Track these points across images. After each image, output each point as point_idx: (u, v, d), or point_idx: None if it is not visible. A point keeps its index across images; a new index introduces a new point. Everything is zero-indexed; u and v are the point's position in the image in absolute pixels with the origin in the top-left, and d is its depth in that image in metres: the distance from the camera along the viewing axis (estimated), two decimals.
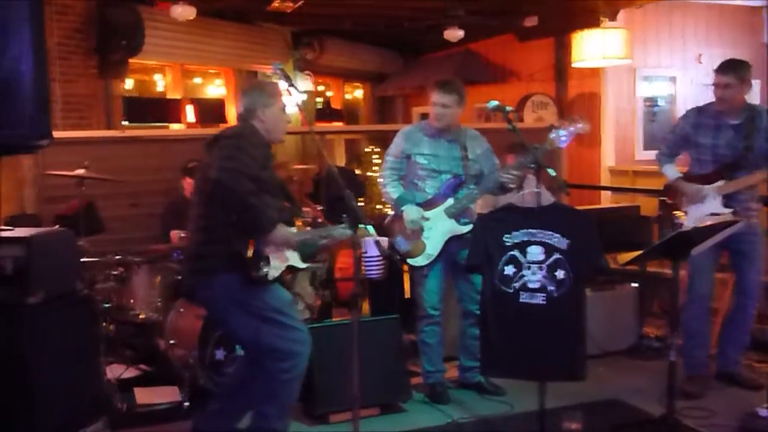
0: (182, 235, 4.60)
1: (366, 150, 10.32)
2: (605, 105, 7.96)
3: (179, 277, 4.53)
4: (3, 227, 3.57)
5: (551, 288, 3.73)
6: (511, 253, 3.79)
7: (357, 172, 9.68)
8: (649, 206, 5.51)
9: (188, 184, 4.98)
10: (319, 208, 5.24)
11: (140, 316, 4.61)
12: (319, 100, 11.22)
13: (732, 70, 4.29)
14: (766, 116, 4.33)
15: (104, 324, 4.44)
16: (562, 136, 3.95)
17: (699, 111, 4.50)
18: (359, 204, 5.21)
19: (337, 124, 11.23)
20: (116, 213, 5.36)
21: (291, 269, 3.57)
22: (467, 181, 4.34)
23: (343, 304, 5.76)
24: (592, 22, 7.41)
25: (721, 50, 7.79)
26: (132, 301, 4.64)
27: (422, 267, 4.32)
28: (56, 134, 2.76)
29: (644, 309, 5.48)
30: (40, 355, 3.12)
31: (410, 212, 4.27)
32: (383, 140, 8.45)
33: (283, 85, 3.46)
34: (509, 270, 3.79)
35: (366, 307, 5.24)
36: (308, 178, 7.06)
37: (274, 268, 3.32)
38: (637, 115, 8.07)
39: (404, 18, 8.58)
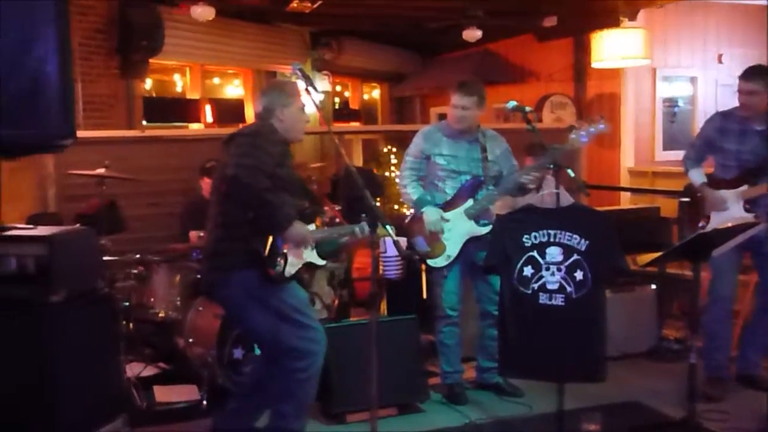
0: (201, 234, 4.63)
1: (384, 150, 10.31)
2: (625, 105, 7.91)
3: (198, 276, 4.56)
4: (25, 226, 3.60)
5: (570, 289, 3.71)
6: (530, 254, 3.77)
7: (375, 172, 9.68)
8: (669, 207, 5.47)
9: (206, 184, 5.01)
10: (337, 207, 5.25)
11: (159, 315, 4.64)
12: (337, 100, 11.23)
13: (758, 77, 4.25)
14: None
15: (124, 322, 4.48)
16: (582, 136, 3.93)
17: (724, 116, 4.47)
18: (377, 204, 5.21)
19: (355, 125, 11.24)
20: (136, 212, 5.40)
21: (309, 267, 3.58)
22: (486, 182, 4.33)
23: (361, 304, 5.77)
24: (612, 22, 7.36)
25: (742, 50, 7.73)
26: (151, 299, 4.67)
27: (441, 268, 4.31)
28: (78, 134, 2.78)
29: (664, 311, 5.44)
30: (62, 353, 3.14)
31: (430, 214, 4.26)
32: (401, 140, 8.45)
33: (302, 85, 3.46)
34: (528, 271, 3.78)
35: (383, 307, 5.24)
36: (326, 178, 7.07)
37: (291, 265, 3.33)
38: (657, 116, 8.02)
39: (423, 18, 8.56)
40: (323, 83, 9.93)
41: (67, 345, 3.17)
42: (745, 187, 4.32)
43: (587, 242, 3.72)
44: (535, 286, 3.76)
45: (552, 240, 3.76)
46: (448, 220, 4.27)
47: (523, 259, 3.78)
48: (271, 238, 3.25)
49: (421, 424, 4.08)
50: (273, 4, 7.80)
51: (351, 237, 3.81)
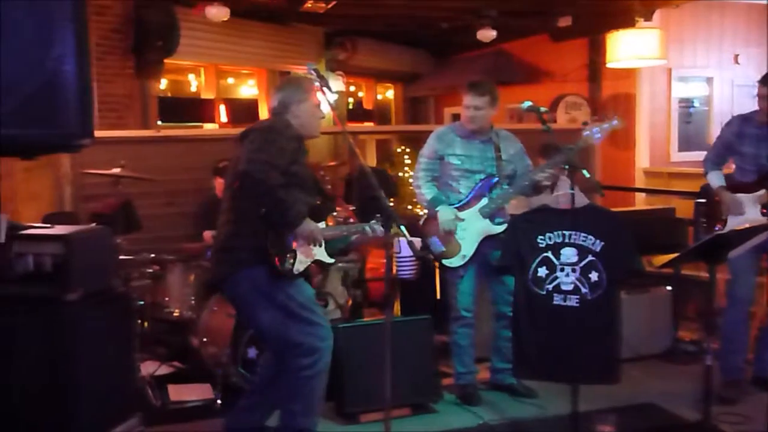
0: (215, 234, 4.64)
1: (397, 150, 10.31)
2: (640, 106, 7.88)
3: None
4: (42, 225, 3.62)
5: (585, 290, 3.70)
6: (545, 254, 3.77)
7: (389, 172, 9.67)
8: (684, 208, 5.44)
9: (219, 183, 5.02)
10: (351, 208, 5.26)
11: (174, 314, 4.66)
12: (351, 100, 11.24)
13: None
14: None
15: (139, 321, 4.50)
16: (596, 133, 3.92)
17: (744, 119, 4.45)
18: (391, 204, 5.21)
19: (369, 125, 11.24)
20: (151, 212, 5.42)
21: (318, 265, 3.58)
22: (501, 181, 4.32)
23: (374, 304, 5.77)
24: (628, 22, 7.33)
25: (759, 50, 7.68)
26: (166, 298, 4.69)
27: (457, 268, 4.30)
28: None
29: (679, 312, 5.40)
30: (78, 351, 3.16)
31: (444, 213, 4.26)
32: (414, 141, 8.45)
33: (317, 85, 3.47)
34: (542, 271, 3.77)
35: (397, 307, 5.24)
36: (339, 178, 7.08)
37: (300, 263, 3.34)
38: (672, 117, 7.98)
39: (437, 18, 8.56)
40: (337, 83, 9.93)
41: (83, 343, 3.18)
42: (762, 192, 4.30)
43: (602, 243, 3.71)
44: (550, 286, 3.76)
45: (567, 241, 3.76)
46: (462, 220, 4.26)
47: (538, 259, 3.78)
48: (281, 235, 3.25)
49: (434, 425, 4.08)
50: (287, 4, 7.82)
51: (361, 235, 3.82)
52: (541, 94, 8.69)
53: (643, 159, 7.85)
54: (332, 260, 3.70)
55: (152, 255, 4.70)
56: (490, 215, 4.28)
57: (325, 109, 3.59)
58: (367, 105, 11.65)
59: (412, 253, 4.43)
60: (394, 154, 10.40)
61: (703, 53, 8.07)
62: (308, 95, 3.47)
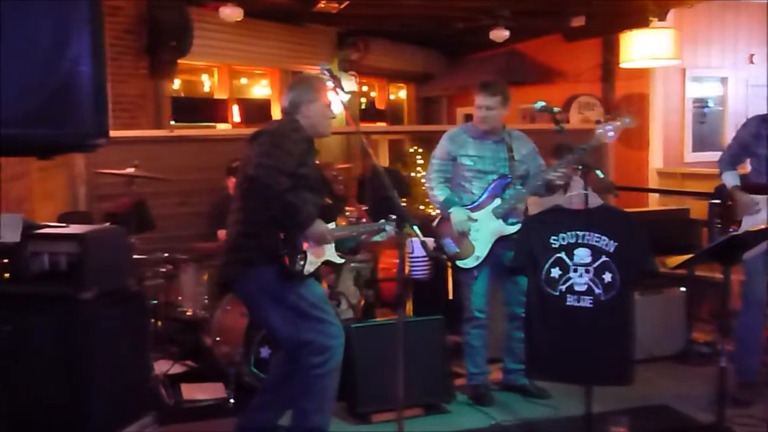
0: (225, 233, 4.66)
1: (410, 150, 10.31)
2: (653, 106, 7.84)
3: None
4: (57, 224, 3.65)
5: (598, 291, 3.68)
6: (558, 255, 3.75)
7: (401, 172, 9.67)
8: (698, 209, 5.41)
9: (233, 183, 5.04)
10: (364, 208, 5.26)
11: (188, 313, 4.69)
12: (364, 100, 11.24)
13: None
14: None
15: (152, 320, 4.52)
16: (608, 131, 3.91)
17: (762, 120, 4.42)
18: (404, 204, 5.21)
19: (381, 125, 11.24)
20: (165, 211, 5.44)
21: (333, 267, 3.59)
22: (514, 181, 4.31)
23: (387, 304, 5.77)
24: (641, 22, 7.29)
25: None
26: (180, 298, 4.72)
27: (471, 269, 4.29)
28: None
29: (693, 314, 5.37)
30: (93, 350, 3.19)
31: (457, 214, 4.25)
32: (427, 141, 8.45)
33: (329, 85, 3.48)
34: (555, 272, 3.76)
35: (410, 307, 5.24)
36: (352, 178, 7.08)
37: (310, 263, 3.35)
38: (686, 117, 7.94)
39: (449, 18, 8.55)
40: (350, 83, 9.94)
41: (98, 342, 3.21)
42: None
43: (616, 244, 3.69)
44: (563, 287, 3.74)
45: (580, 241, 3.74)
46: (476, 220, 4.26)
47: (551, 260, 3.76)
48: (291, 236, 3.26)
49: (446, 425, 4.07)
50: (300, 4, 7.84)
51: (371, 234, 3.82)
52: (554, 94, 8.65)
53: (656, 159, 7.81)
54: (342, 260, 3.71)
55: (165, 254, 4.72)
56: (503, 216, 4.27)
57: (338, 109, 3.60)
58: (380, 105, 11.64)
59: (424, 253, 4.42)
60: (406, 155, 10.40)
61: (717, 53, 8.02)
62: (318, 95, 3.47)
